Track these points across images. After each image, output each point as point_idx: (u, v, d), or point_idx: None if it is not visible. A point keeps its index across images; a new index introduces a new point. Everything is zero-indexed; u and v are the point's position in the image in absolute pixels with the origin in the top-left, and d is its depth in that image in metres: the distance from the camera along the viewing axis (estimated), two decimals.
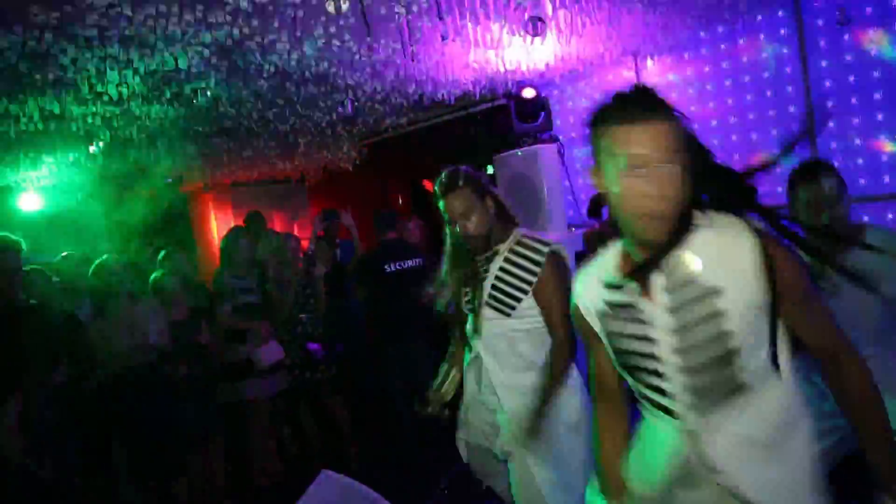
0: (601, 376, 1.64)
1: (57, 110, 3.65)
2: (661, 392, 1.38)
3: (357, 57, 3.54)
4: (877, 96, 3.87)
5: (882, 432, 1.30)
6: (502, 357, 2.41)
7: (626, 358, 1.44)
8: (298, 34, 3.10)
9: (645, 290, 1.37)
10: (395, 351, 4.35)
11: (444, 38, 3.30)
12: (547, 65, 4.55)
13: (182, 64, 3.17)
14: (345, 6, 2.76)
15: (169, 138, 4.79)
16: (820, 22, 4.00)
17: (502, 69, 4.48)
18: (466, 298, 2.47)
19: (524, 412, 2.28)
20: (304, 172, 7.47)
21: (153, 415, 3.52)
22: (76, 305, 3.84)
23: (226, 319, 4.20)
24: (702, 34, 4.39)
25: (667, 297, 1.33)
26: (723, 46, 4.44)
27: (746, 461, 1.31)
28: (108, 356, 3.48)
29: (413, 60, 3.73)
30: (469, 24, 3.28)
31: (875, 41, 3.84)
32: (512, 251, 2.37)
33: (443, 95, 4.79)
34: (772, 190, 2.68)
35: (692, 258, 1.31)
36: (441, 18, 3.08)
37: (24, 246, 3.29)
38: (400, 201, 7.17)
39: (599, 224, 3.74)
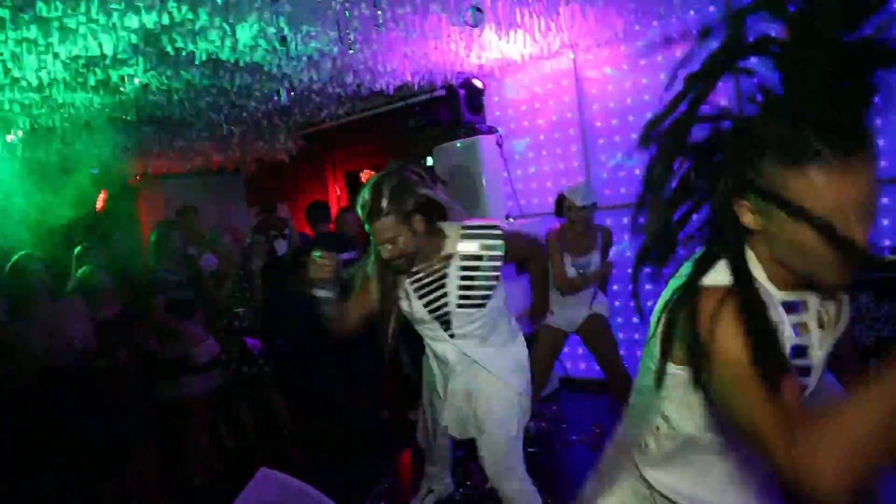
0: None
1: None
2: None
3: (293, 45, 3.45)
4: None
5: None
6: (486, 341, 2.48)
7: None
8: (231, 20, 3.00)
9: None
10: (331, 346, 4.30)
11: (379, 27, 3.25)
12: (485, 56, 4.56)
13: (107, 49, 3.02)
14: None
15: (95, 128, 4.58)
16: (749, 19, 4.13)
17: (441, 60, 4.47)
18: (429, 308, 2.42)
19: (511, 375, 2.50)
20: (240, 164, 7.29)
21: (79, 416, 3.37)
22: None
23: (159, 315, 4.06)
24: (637, 28, 4.48)
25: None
26: (657, 40, 4.55)
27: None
28: (27, 358, 3.30)
29: (350, 50, 3.67)
30: (407, 13, 3.25)
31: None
32: (466, 247, 2.37)
33: (381, 86, 4.74)
34: None
35: None
36: (376, 6, 3.04)
37: None
38: (338, 193, 7.08)
39: (560, 224, 3.81)
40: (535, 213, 5.25)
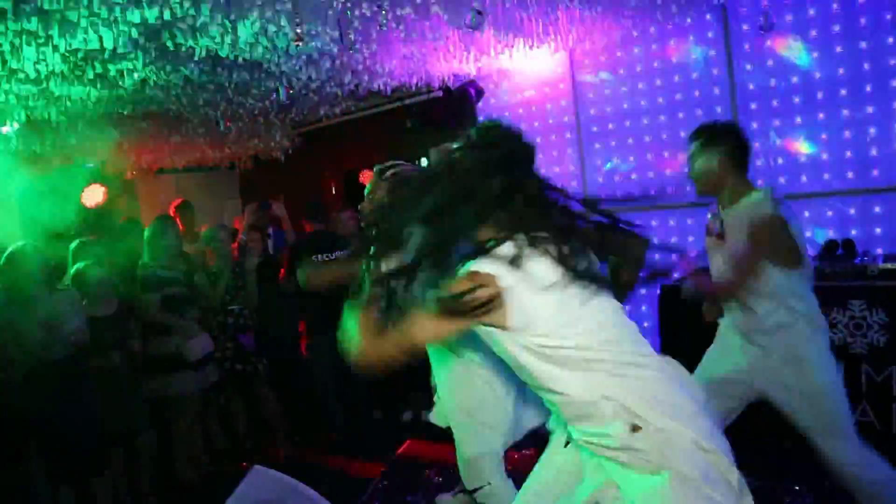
0: None
1: None
2: None
3: (292, 43, 3.45)
4: (796, 100, 4.08)
5: None
6: None
7: None
8: (232, 17, 3.00)
9: None
10: (325, 343, 4.29)
11: (381, 27, 3.26)
12: (483, 58, 4.58)
13: (107, 43, 3.01)
14: None
15: (91, 121, 4.56)
16: (745, 27, 4.17)
17: (439, 62, 4.48)
18: None
19: None
20: (235, 160, 7.28)
21: (72, 411, 3.35)
22: None
23: (153, 311, 4.05)
24: (634, 34, 4.51)
25: None
26: (654, 46, 4.58)
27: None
28: (21, 351, 3.27)
29: (350, 49, 3.68)
30: (408, 14, 3.25)
31: (792, 49, 4.05)
32: None
33: (379, 86, 4.75)
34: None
35: None
36: (379, 7, 3.04)
37: None
38: (333, 192, 7.07)
39: None
40: None
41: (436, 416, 2.66)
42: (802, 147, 4.10)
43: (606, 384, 1.44)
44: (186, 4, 2.75)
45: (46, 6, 2.54)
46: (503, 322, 1.42)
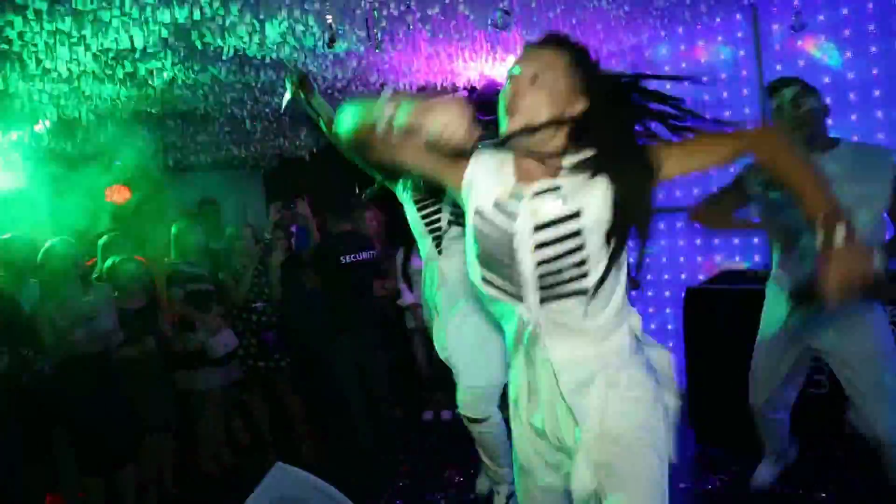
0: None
1: (1, 86, 3.48)
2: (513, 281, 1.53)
3: (319, 43, 3.47)
4: (827, 101, 3.99)
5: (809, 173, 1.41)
6: None
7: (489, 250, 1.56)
8: (261, 17, 3.03)
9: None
10: (348, 342, 4.32)
11: (409, 27, 3.27)
12: (510, 58, 4.56)
13: (137, 43, 3.06)
14: None
15: (121, 120, 4.63)
16: (775, 27, 4.11)
17: (465, 62, 4.47)
18: None
19: None
20: (260, 159, 7.33)
21: (103, 401, 3.40)
22: (18, 289, 3.67)
23: (178, 307, 4.10)
24: (662, 34, 4.46)
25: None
26: (682, 47, 4.53)
27: (563, 344, 1.53)
28: (56, 344, 3.34)
29: (377, 49, 3.69)
30: (436, 14, 3.25)
31: (824, 49, 3.97)
32: None
33: (404, 85, 4.75)
34: None
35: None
36: (408, 7, 3.05)
37: None
38: (357, 191, 7.09)
39: None
40: None
41: (437, 347, 2.81)
42: None
43: None
44: (216, 4, 2.78)
45: (80, 6, 2.58)
46: None
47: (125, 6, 2.65)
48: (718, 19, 4.27)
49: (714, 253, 4.60)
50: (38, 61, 3.18)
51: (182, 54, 3.48)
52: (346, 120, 1.51)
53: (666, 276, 4.79)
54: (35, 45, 3.00)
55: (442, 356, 2.80)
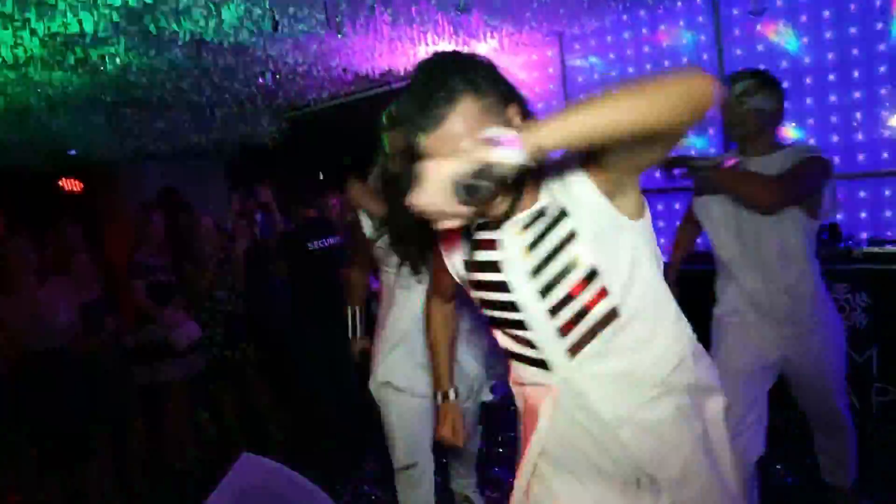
0: (440, 279, 1.64)
1: None
2: (531, 344, 1.30)
3: (279, 27, 3.40)
4: (784, 85, 4.06)
5: None
6: None
7: (490, 310, 1.34)
8: (216, 0, 2.95)
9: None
10: (316, 331, 4.28)
11: (371, 11, 3.22)
12: (472, 42, 4.54)
13: (88, 27, 2.95)
14: None
15: (73, 107, 4.49)
16: (736, 11, 4.16)
17: (427, 46, 4.44)
18: None
19: None
20: (222, 147, 7.20)
21: (61, 398, 3.32)
22: None
23: (139, 298, 4.02)
24: (625, 17, 4.48)
25: (522, 238, 1.25)
26: (645, 31, 4.55)
27: (614, 394, 1.26)
28: (9, 340, 3.24)
29: (339, 34, 3.63)
30: None
31: (782, 34, 4.04)
32: None
33: (367, 70, 4.70)
34: None
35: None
36: None
37: None
38: (321, 177, 7.02)
39: None
40: None
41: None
42: (790, 132, 4.10)
43: None
44: None
45: None
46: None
47: None
48: (680, 3, 4.31)
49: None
50: None
51: (136, 39, 3.38)
52: None
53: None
54: None
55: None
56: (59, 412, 3.30)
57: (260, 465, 2.49)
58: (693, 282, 2.55)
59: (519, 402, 1.46)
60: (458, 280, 1.44)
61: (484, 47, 4.79)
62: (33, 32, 2.98)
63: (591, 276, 1.21)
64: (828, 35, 3.89)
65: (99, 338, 3.64)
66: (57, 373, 3.35)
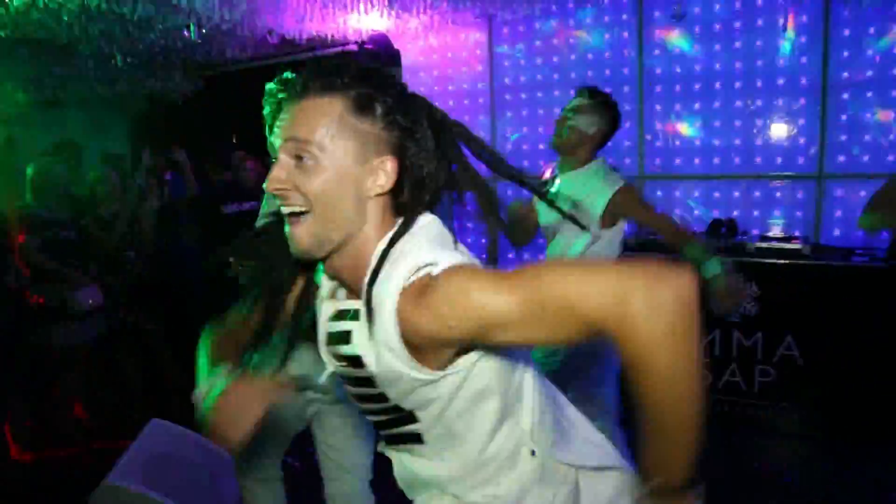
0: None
1: None
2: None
3: None
4: (696, 87, 4.34)
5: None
6: None
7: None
8: None
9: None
10: (227, 298, 4.17)
11: None
12: (404, 15, 4.51)
13: None
14: None
15: None
16: (658, 13, 4.37)
17: (358, 15, 4.37)
18: None
19: None
20: (127, 100, 6.78)
21: None
22: None
23: (33, 256, 3.75)
24: (554, 7, 4.59)
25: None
26: (572, 21, 4.69)
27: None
28: None
29: None
30: None
31: (698, 39, 4.29)
32: None
33: (294, 35, 4.58)
34: None
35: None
36: None
37: None
38: (235, 140, 6.77)
39: None
40: None
41: None
42: (698, 132, 4.39)
43: None
44: None
45: None
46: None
47: None
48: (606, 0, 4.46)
49: None
50: None
51: None
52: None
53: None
54: None
55: None
56: None
57: (168, 430, 2.43)
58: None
59: None
60: None
61: (414, 22, 4.77)
62: None
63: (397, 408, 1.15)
64: (737, 45, 4.18)
65: None
66: None
